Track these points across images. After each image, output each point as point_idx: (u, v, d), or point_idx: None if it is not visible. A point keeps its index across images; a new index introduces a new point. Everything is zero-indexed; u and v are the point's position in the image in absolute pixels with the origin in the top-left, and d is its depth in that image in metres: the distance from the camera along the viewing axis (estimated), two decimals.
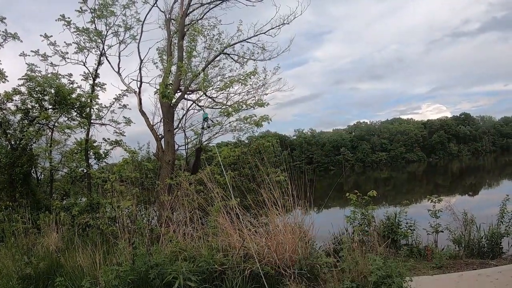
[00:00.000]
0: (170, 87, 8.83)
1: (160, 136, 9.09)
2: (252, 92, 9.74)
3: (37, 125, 10.59)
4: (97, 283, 4.67)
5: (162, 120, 9.21)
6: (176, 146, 9.27)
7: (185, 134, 9.50)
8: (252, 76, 9.49)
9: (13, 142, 10.31)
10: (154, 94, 9.57)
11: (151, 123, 9.35)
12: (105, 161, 10.14)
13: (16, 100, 10.19)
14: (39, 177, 11.17)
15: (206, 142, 9.17)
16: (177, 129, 9.43)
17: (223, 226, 5.74)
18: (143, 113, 9.59)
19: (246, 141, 10.42)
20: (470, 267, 5.93)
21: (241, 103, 8.97)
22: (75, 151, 10.17)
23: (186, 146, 9.41)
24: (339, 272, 4.62)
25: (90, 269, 5.07)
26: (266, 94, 9.55)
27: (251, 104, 8.81)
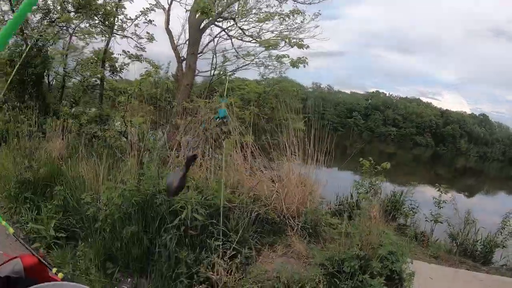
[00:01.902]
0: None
1: (182, 58, 8.47)
2: (285, 33, 8.98)
3: (57, 27, 9.98)
4: (98, 198, 4.31)
5: (187, 42, 8.55)
6: (196, 72, 8.67)
7: (215, 56, 8.75)
8: (291, 16, 8.68)
9: (29, 42, 9.76)
10: (186, 12, 8.82)
11: (175, 44, 8.68)
12: (119, 75, 9.61)
13: None
14: (51, 82, 10.71)
15: (230, 73, 8.58)
16: (200, 54, 8.75)
17: (235, 162, 5.47)
18: (169, 32, 8.92)
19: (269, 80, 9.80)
20: (464, 266, 5.86)
21: (280, 38, 8.22)
22: (91, 60, 9.59)
23: (212, 71, 8.76)
24: (342, 235, 4.37)
25: (92, 182, 4.71)
26: (300, 38, 8.79)
27: (292, 42, 8.03)
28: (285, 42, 8.10)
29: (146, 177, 4.12)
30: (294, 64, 8.21)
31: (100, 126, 6.93)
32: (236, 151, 5.56)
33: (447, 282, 5.06)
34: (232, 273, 3.78)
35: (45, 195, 5.37)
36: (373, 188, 6.71)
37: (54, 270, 1.44)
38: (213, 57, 8.81)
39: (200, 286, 3.64)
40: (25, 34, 9.64)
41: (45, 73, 9.99)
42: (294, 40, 8.06)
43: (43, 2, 9.53)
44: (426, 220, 7.02)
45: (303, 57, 7.87)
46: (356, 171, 7.73)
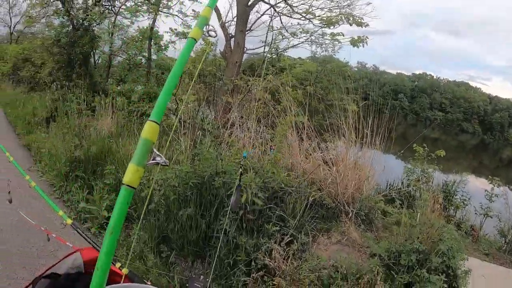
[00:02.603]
0: None
1: (230, 36, 8.12)
2: (336, 11, 8.42)
3: (102, 7, 9.93)
4: (150, 178, 4.09)
5: (234, 19, 8.17)
6: (245, 49, 8.30)
7: (271, 30, 8.33)
8: None
9: (75, 22, 9.77)
10: None
11: (223, 21, 8.33)
12: (164, 53, 9.42)
13: None
14: (97, 61, 10.77)
15: (281, 51, 8.13)
16: (248, 31, 8.35)
17: (290, 143, 5.16)
18: (215, 9, 8.55)
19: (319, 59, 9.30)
20: None
21: (340, 16, 7.68)
22: (137, 39, 9.46)
23: (265, 48, 8.35)
24: (400, 225, 4.05)
25: None
26: (351, 15, 8.18)
27: (351, 20, 7.49)
28: (344, 19, 7.54)
29: (203, 157, 3.83)
30: (355, 43, 7.66)
31: (150, 104, 6.74)
32: (291, 133, 5.22)
33: (501, 282, 4.57)
34: (289, 260, 3.50)
35: (95, 173, 5.26)
36: (425, 176, 6.33)
37: (118, 265, 1.32)
38: (267, 34, 8.37)
39: (259, 273, 3.37)
40: (71, 15, 9.65)
41: (92, 52, 10.01)
42: (352, 18, 7.50)
43: None
44: (475, 213, 6.49)
45: (363, 36, 7.31)
46: (404, 157, 7.17)
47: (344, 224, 4.41)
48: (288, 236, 3.68)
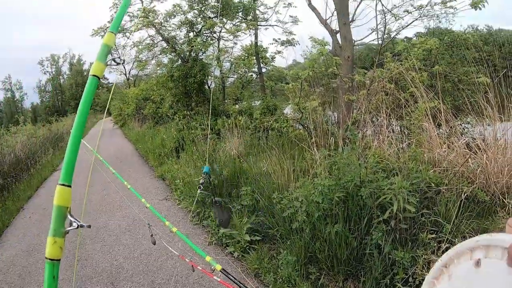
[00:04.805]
0: None
1: (334, 31, 7.66)
2: None
3: (203, 35, 10.45)
4: (284, 196, 3.90)
5: (335, 13, 7.69)
6: (354, 41, 7.74)
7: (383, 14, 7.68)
8: None
9: (182, 56, 10.46)
10: None
11: (324, 18, 7.91)
12: (272, 64, 9.44)
13: (179, 14, 10.14)
14: (210, 86, 11.39)
15: (394, 34, 7.36)
16: (352, 22, 7.77)
17: (428, 134, 4.55)
18: (313, 8, 8.23)
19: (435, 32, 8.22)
20: None
21: None
22: (243, 57, 9.68)
23: (379, 38, 7.69)
24: None
25: (279, 176, 4.34)
26: None
27: None
28: None
29: (343, 165, 3.48)
30: (476, 4, 6.51)
31: (272, 118, 6.70)
32: (428, 122, 4.57)
33: None
34: None
35: (231, 196, 5.32)
36: None
37: None
38: (376, 18, 7.72)
39: None
40: (177, 50, 10.34)
41: (204, 79, 10.58)
42: None
43: (184, 18, 10.07)
44: None
45: None
46: None
47: (502, 220, 3.71)
48: (445, 243, 3.15)
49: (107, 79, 49.79)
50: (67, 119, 32.92)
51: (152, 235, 2.32)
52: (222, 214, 3.01)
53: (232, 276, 1.57)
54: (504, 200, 3.79)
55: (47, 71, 52.54)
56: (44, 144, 14.72)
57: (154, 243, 2.35)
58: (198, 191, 2.41)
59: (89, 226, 1.00)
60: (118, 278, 4.14)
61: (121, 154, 12.75)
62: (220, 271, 1.60)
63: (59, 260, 0.89)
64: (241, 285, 1.44)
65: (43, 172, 11.07)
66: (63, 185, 0.92)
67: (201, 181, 2.46)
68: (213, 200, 2.86)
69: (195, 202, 2.66)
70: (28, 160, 11.36)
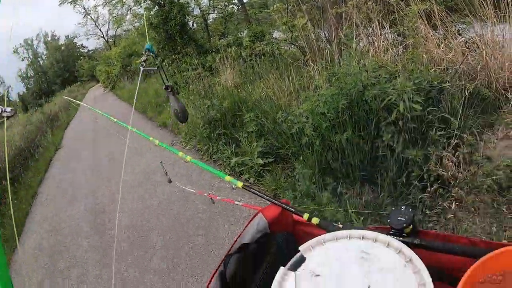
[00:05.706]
0: None
1: None
2: None
3: None
4: (289, 112, 3.95)
5: None
6: None
7: None
8: None
9: (157, 1, 10.03)
10: None
11: None
12: None
13: None
14: (193, 27, 10.98)
15: None
16: None
17: (424, 35, 4.38)
18: None
19: None
20: None
21: None
22: None
23: None
24: None
25: (279, 98, 4.36)
26: None
27: None
28: None
29: (342, 75, 3.48)
30: None
31: (261, 43, 6.53)
32: (423, 24, 4.48)
33: None
34: (461, 166, 3.04)
35: (235, 126, 5.34)
36: None
37: (306, 216, 1.17)
38: None
39: (434, 186, 3.01)
40: None
41: (185, 20, 10.18)
42: None
43: None
44: None
45: None
46: None
47: (507, 115, 3.69)
48: (454, 138, 3.20)
49: (86, 47, 48.07)
50: (56, 98, 32.18)
51: (166, 173, 2.32)
52: (178, 103, 2.74)
53: (254, 189, 1.59)
54: (508, 96, 3.85)
55: (24, 57, 50.36)
56: (41, 128, 14.58)
57: (170, 181, 2.36)
58: (141, 68, 2.25)
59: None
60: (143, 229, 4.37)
61: (116, 114, 12.57)
62: (242, 187, 1.61)
63: None
64: (265, 196, 1.43)
65: (47, 153, 11.08)
66: None
67: (143, 58, 2.28)
68: (165, 85, 2.60)
69: (139, 80, 2.43)
70: (29, 148, 11.35)
